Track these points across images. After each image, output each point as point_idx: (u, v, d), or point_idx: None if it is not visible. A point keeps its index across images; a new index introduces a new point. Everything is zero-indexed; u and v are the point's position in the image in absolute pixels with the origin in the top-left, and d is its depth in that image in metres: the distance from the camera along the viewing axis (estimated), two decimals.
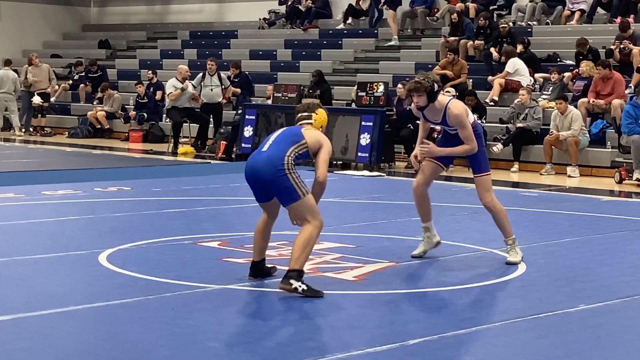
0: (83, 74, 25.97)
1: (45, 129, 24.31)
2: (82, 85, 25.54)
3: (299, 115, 7.45)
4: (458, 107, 8.11)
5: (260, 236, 7.41)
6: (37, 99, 24.05)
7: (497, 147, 17.05)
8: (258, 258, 7.43)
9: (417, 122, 16.90)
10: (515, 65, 18.93)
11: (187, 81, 20.01)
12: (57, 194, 12.59)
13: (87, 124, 23.69)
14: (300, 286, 6.79)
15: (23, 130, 24.08)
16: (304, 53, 24.63)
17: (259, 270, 7.45)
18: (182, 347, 5.60)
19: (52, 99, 24.93)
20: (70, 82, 26.34)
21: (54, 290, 7.00)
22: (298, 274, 6.83)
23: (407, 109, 17.45)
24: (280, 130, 7.40)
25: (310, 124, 7.37)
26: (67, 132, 23.99)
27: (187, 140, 20.72)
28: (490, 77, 19.39)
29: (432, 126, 8.78)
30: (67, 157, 18.83)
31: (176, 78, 20.05)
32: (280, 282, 6.89)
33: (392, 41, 23.68)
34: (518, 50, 19.42)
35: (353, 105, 18.62)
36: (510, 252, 8.37)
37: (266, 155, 7.07)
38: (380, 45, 24.01)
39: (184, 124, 20.45)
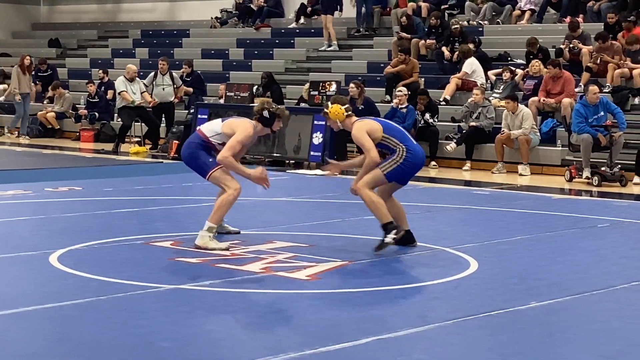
0: (33, 73, 25.69)
1: None
2: (32, 84, 25.26)
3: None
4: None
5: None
6: None
7: (451, 146, 17.16)
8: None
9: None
10: (472, 65, 19.01)
11: (136, 82, 19.82)
12: (6, 194, 12.45)
13: (37, 123, 23.46)
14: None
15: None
16: (256, 52, 24.60)
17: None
18: (136, 347, 5.57)
19: None
20: None
21: (5, 291, 6.93)
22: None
23: (360, 108, 17.57)
24: (392, 122, 9.17)
25: None
26: (16, 132, 23.74)
27: (138, 140, 20.61)
28: (452, 77, 19.36)
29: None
30: (17, 157, 18.65)
31: (124, 77, 19.91)
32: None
33: (331, 46, 23.70)
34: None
35: (303, 105, 18.65)
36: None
37: None
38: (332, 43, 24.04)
39: (135, 124, 20.34)
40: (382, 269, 8.18)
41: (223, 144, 8.67)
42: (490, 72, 19.27)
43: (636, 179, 15.15)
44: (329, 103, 8.98)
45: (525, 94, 17.96)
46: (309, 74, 22.20)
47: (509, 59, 20.19)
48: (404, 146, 8.68)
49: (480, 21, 22.13)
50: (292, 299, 6.94)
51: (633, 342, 5.93)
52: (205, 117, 18.52)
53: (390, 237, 8.50)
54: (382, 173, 8.66)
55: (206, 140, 8.77)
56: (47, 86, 24.26)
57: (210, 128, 8.84)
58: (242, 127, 8.71)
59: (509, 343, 5.84)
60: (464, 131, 17.41)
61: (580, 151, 15.46)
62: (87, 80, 23.34)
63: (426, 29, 21.53)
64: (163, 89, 20.03)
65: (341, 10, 24.04)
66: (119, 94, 19.86)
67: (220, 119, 9.00)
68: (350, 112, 8.88)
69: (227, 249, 8.61)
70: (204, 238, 8.66)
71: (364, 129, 8.72)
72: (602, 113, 15.56)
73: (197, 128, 9.17)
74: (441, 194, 13.80)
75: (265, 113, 8.76)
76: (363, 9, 24.23)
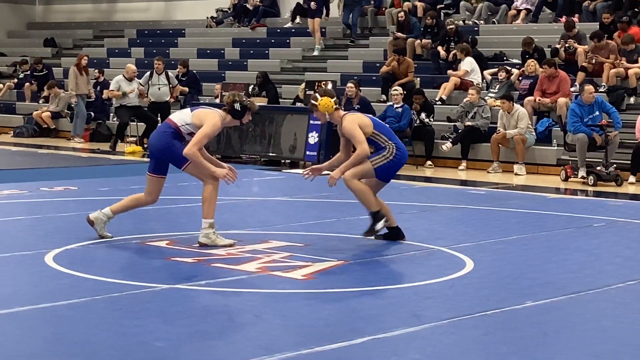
0: (28, 72, 25.71)
1: None
2: (27, 84, 25.29)
3: None
4: None
5: None
6: None
7: (447, 146, 17.17)
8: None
9: None
10: (472, 64, 19.03)
11: (134, 82, 19.84)
12: (2, 194, 12.44)
13: (32, 123, 23.47)
14: None
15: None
16: (251, 52, 24.60)
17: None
18: (130, 347, 5.56)
19: None
20: (16, 80, 26.08)
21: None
22: None
23: (356, 108, 17.57)
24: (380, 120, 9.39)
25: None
26: (12, 132, 23.74)
27: (134, 139, 20.60)
28: (451, 72, 19.35)
29: None
30: (12, 157, 18.63)
31: (123, 76, 19.92)
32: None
33: (314, 51, 23.65)
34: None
35: (299, 104, 18.65)
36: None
37: None
38: (328, 44, 24.04)
39: (131, 123, 20.33)
40: (377, 268, 8.19)
41: (191, 133, 8.70)
42: (485, 72, 19.28)
43: (631, 179, 15.17)
44: (317, 95, 8.98)
45: (520, 93, 17.98)
46: (304, 74, 22.20)
47: (505, 58, 20.21)
48: (393, 144, 8.90)
49: (475, 21, 22.14)
50: (287, 298, 6.94)
51: (626, 341, 5.93)
52: None
53: (380, 224, 8.80)
54: (373, 167, 8.85)
55: (176, 128, 8.77)
56: (43, 86, 24.24)
57: (180, 117, 8.83)
58: (209, 120, 8.67)
59: (504, 343, 5.84)
60: (459, 131, 17.42)
61: (576, 151, 15.47)
62: None
63: (422, 29, 21.54)
64: (159, 88, 20.04)
65: (327, 15, 23.95)
66: (109, 91, 19.93)
67: (189, 109, 9.01)
68: (338, 106, 8.95)
69: (232, 245, 8.72)
70: (209, 236, 8.72)
71: (356, 121, 8.83)
72: (597, 113, 15.57)
73: (168, 117, 9.16)
74: (437, 194, 13.81)
75: (237, 106, 8.74)
76: (350, 17, 23.87)
